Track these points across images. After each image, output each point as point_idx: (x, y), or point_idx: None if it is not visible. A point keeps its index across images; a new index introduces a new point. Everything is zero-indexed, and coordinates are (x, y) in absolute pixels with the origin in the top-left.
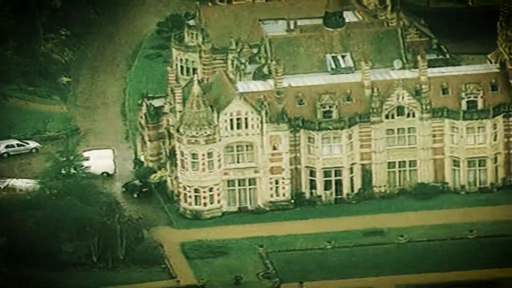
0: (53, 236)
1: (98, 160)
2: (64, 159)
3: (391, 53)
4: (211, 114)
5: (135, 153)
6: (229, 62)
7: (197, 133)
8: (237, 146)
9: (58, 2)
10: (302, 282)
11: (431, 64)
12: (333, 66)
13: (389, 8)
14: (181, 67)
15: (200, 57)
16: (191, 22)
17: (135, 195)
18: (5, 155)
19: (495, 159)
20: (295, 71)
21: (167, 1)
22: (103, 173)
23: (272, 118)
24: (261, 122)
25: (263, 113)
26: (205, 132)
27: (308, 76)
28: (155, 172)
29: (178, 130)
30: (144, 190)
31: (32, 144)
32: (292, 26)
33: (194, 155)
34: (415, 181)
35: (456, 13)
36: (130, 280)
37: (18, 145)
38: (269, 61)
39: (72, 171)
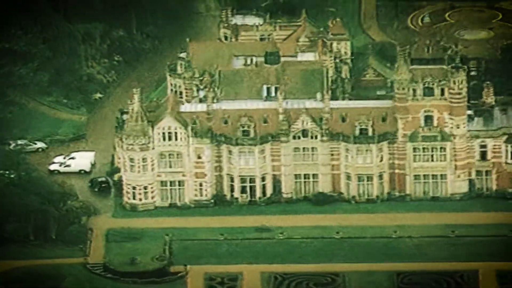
0: None
1: (81, 160)
2: (14, 156)
3: (316, 87)
4: (147, 127)
5: (112, 156)
6: (193, 87)
7: (133, 142)
8: (169, 154)
9: (120, 32)
10: (186, 265)
11: (380, 98)
12: (266, 95)
13: (333, 52)
14: (171, 90)
15: (184, 83)
16: (182, 55)
17: (96, 189)
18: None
19: (381, 176)
20: (236, 97)
21: (212, 36)
22: (80, 170)
23: (197, 133)
24: (188, 136)
25: (189, 129)
26: (140, 141)
27: (246, 102)
28: (119, 171)
29: (121, 139)
30: (103, 185)
31: (39, 145)
32: (248, 62)
33: (131, 159)
34: (316, 190)
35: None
36: (53, 256)
37: (27, 145)
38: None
39: (21, 166)
